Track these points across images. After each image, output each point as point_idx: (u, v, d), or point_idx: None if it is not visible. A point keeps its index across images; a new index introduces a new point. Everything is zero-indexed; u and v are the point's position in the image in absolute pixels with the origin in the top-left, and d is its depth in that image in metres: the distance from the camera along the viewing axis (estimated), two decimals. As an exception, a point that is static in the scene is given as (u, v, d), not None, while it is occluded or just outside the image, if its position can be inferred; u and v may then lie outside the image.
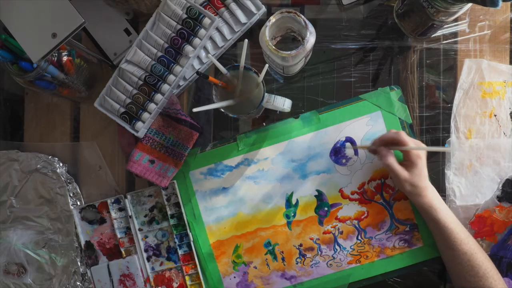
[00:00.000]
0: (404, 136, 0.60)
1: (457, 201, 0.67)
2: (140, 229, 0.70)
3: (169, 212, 0.69)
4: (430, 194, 0.61)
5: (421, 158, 0.61)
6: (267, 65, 0.56)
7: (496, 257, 0.65)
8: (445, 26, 0.68)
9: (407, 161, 0.61)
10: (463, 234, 0.60)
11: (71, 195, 0.71)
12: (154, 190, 0.70)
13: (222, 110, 0.63)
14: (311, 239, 0.69)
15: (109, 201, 0.70)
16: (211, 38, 0.69)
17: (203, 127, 0.70)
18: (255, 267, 0.69)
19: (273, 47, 0.57)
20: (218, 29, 0.69)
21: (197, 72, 0.58)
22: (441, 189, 0.68)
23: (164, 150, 0.69)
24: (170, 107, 0.68)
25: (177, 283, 0.70)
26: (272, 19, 0.58)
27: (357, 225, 0.68)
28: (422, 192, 0.61)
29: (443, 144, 0.68)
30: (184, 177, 0.70)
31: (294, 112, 0.69)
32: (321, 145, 0.69)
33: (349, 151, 0.68)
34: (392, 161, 0.61)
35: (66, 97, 0.71)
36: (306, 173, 0.69)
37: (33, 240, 0.71)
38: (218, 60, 0.71)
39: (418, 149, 0.61)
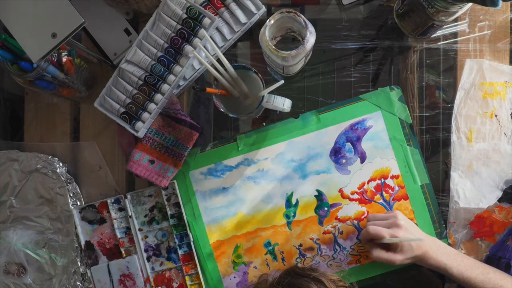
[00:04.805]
0: (373, 230, 0.59)
1: (460, 202, 0.66)
2: (140, 229, 0.70)
3: (169, 212, 0.69)
4: (433, 255, 0.59)
5: (399, 237, 0.59)
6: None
7: (494, 258, 0.64)
8: (445, 26, 0.68)
9: (392, 246, 0.60)
10: (482, 276, 0.58)
11: (71, 195, 0.71)
12: (154, 190, 0.70)
13: (222, 110, 0.63)
14: (311, 239, 0.69)
15: (109, 201, 0.70)
16: (211, 38, 0.69)
17: (203, 127, 0.70)
18: (255, 267, 0.69)
19: (273, 47, 0.57)
20: (218, 29, 0.69)
21: (193, 87, 0.58)
22: (441, 189, 0.68)
23: (164, 150, 0.69)
24: (170, 107, 0.68)
25: (177, 283, 0.70)
26: (272, 19, 0.58)
27: (357, 225, 0.68)
28: (424, 258, 0.59)
29: (443, 144, 0.68)
30: (184, 177, 0.70)
31: (294, 112, 0.69)
32: (321, 145, 0.69)
33: (349, 155, 0.68)
34: (378, 253, 0.60)
35: (66, 97, 0.71)
36: (306, 173, 0.69)
37: (33, 240, 0.71)
38: (217, 60, 0.71)
39: (394, 241, 0.59)
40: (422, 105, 0.69)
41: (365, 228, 0.61)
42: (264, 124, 0.70)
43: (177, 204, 0.69)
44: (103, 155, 0.72)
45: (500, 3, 0.49)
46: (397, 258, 0.59)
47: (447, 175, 0.68)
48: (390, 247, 0.60)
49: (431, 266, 0.60)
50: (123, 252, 0.70)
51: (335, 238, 0.68)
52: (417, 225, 0.67)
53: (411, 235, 0.60)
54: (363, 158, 0.68)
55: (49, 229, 0.71)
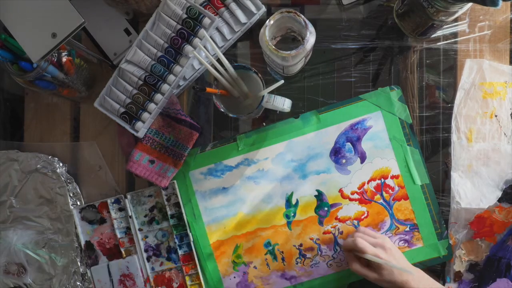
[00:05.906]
0: (360, 244, 0.59)
1: (462, 203, 0.66)
2: (140, 229, 0.70)
3: (169, 212, 0.69)
4: (415, 286, 0.58)
5: (383, 259, 0.58)
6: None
7: (495, 258, 0.64)
8: (445, 26, 0.68)
9: (372, 264, 0.60)
10: None
11: (71, 195, 0.71)
12: (154, 190, 0.70)
13: (222, 110, 0.63)
14: (311, 239, 0.69)
15: (109, 201, 0.70)
16: (211, 38, 0.69)
17: (203, 127, 0.70)
18: (255, 267, 0.69)
19: (273, 47, 0.57)
20: (218, 29, 0.69)
21: (193, 87, 0.58)
22: (441, 189, 0.68)
23: (164, 150, 0.69)
24: (170, 107, 0.68)
25: (177, 283, 0.70)
26: (272, 19, 0.58)
27: (357, 225, 0.68)
28: (405, 286, 0.58)
29: (443, 144, 0.68)
30: (184, 177, 0.70)
31: (294, 112, 0.69)
32: (321, 145, 0.69)
33: (349, 155, 0.68)
34: (357, 267, 0.60)
35: (66, 97, 0.71)
36: (306, 173, 0.69)
37: (33, 240, 0.71)
38: (217, 60, 0.71)
39: (376, 260, 0.58)
40: (422, 105, 0.69)
41: (353, 238, 0.61)
42: (264, 124, 0.70)
43: (177, 204, 0.69)
44: (103, 155, 0.72)
45: (500, 3, 0.49)
46: (373, 275, 0.59)
47: (447, 175, 0.68)
48: (368, 263, 0.60)
49: None
50: (123, 252, 0.70)
51: (335, 238, 0.68)
52: (417, 225, 0.67)
53: (394, 261, 0.59)
54: (363, 158, 0.68)
55: (49, 229, 0.71)
